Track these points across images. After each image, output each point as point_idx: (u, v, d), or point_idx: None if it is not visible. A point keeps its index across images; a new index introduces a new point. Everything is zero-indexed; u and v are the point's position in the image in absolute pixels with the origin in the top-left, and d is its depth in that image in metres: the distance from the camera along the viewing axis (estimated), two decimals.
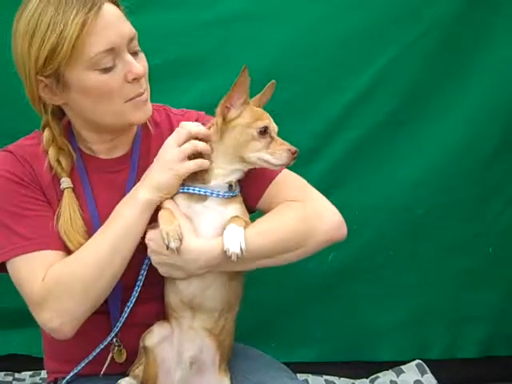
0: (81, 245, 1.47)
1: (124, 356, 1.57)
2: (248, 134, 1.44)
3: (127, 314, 1.51)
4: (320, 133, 2.24)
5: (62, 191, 1.51)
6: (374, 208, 2.28)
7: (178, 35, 2.13)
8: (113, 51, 1.40)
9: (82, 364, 1.54)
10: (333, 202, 1.54)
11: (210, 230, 1.44)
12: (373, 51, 2.20)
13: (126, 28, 1.44)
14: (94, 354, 1.53)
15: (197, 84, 2.14)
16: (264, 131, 1.44)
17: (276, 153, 1.43)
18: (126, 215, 1.45)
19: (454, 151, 2.29)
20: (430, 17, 2.19)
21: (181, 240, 1.39)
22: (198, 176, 1.47)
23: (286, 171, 1.58)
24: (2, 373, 2.27)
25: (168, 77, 2.09)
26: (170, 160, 1.44)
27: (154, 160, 1.47)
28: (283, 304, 2.33)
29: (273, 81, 1.52)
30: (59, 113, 1.55)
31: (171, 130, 1.54)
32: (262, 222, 1.48)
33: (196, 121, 1.57)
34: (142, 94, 1.47)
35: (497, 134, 2.29)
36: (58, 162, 1.52)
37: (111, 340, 1.55)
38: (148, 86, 1.51)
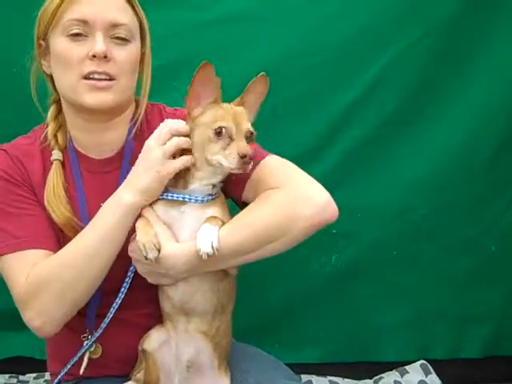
0: (64, 216, 1.48)
1: (99, 351, 1.56)
2: (206, 134, 1.38)
3: (109, 319, 1.50)
4: (322, 133, 2.23)
5: (51, 163, 1.53)
6: (377, 208, 2.27)
7: (178, 35, 2.13)
8: (86, 24, 1.45)
9: (65, 369, 1.54)
10: (335, 202, 1.49)
11: (188, 235, 1.42)
12: (374, 52, 2.19)
13: (112, 14, 1.47)
14: (76, 358, 1.54)
15: None
16: (219, 132, 1.37)
17: (229, 156, 1.36)
18: (108, 218, 1.43)
19: (456, 151, 2.28)
20: (430, 18, 2.18)
21: (158, 250, 1.37)
22: (178, 179, 1.44)
23: (269, 157, 1.53)
24: (7, 375, 2.27)
25: (169, 76, 2.10)
26: (153, 161, 1.40)
27: (137, 161, 1.44)
28: (287, 305, 2.32)
29: (262, 73, 1.45)
30: None
31: None
32: (239, 217, 1.44)
33: (185, 118, 1.56)
34: (101, 76, 1.46)
35: (498, 134, 2.28)
36: (55, 136, 1.55)
37: (85, 338, 1.56)
38: (123, 80, 1.49)
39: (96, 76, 1.46)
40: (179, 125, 1.43)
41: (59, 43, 1.47)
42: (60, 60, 1.48)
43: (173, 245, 1.41)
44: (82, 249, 1.43)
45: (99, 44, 1.44)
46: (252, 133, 1.41)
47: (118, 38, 1.47)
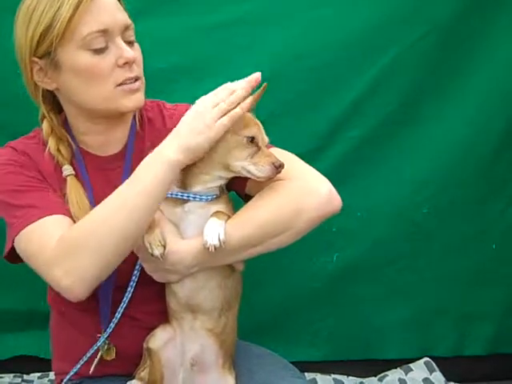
0: None
1: (113, 353, 1.56)
2: (235, 141, 1.39)
3: (120, 314, 1.50)
4: (322, 133, 2.23)
5: (65, 179, 1.52)
6: (378, 207, 2.28)
7: (180, 40, 2.14)
8: (105, 33, 1.42)
9: (78, 366, 1.54)
10: None
11: (193, 233, 1.43)
12: (374, 52, 2.19)
13: (122, 16, 1.47)
14: (89, 355, 1.53)
15: (198, 88, 2.08)
16: (251, 140, 1.40)
17: (260, 164, 1.38)
18: (148, 174, 1.35)
19: (457, 150, 2.28)
20: (430, 17, 2.18)
21: (164, 246, 1.38)
22: (183, 177, 1.44)
23: (272, 149, 1.51)
24: (11, 374, 2.28)
25: (170, 80, 2.11)
26: (205, 122, 1.33)
27: (185, 121, 1.36)
28: (290, 303, 2.33)
29: (264, 84, 1.43)
30: (57, 105, 1.57)
31: (164, 126, 1.57)
32: (244, 210, 1.44)
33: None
34: (133, 80, 1.47)
35: (498, 133, 2.28)
36: (59, 151, 1.54)
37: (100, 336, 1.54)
38: (143, 78, 1.52)
39: (128, 81, 1.47)
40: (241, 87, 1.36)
41: (80, 59, 1.43)
42: (86, 74, 1.45)
43: (178, 240, 1.42)
44: (119, 203, 1.36)
45: (128, 51, 1.45)
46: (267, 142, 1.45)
47: (129, 42, 1.48)
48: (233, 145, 1.40)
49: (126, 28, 1.47)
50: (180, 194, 1.44)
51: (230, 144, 1.40)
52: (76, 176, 1.55)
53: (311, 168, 1.50)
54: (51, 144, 1.54)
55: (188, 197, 1.44)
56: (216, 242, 1.35)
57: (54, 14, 1.40)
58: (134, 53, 1.48)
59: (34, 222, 1.41)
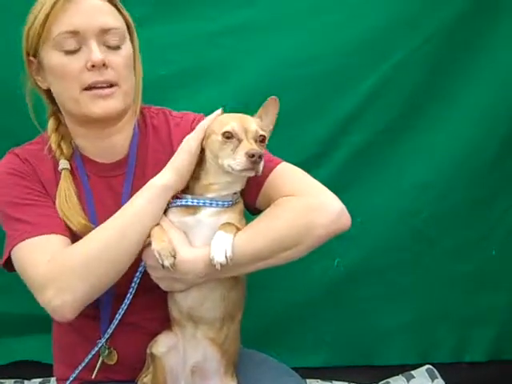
0: (81, 224, 1.47)
1: (115, 358, 1.56)
2: (216, 141, 1.40)
3: (118, 320, 1.50)
4: (324, 138, 2.24)
5: (60, 172, 1.53)
6: (379, 212, 2.28)
7: (185, 46, 2.14)
8: (77, 35, 1.43)
9: (77, 372, 1.54)
10: None
11: (203, 242, 1.42)
12: (377, 57, 2.20)
13: (101, 19, 1.46)
14: (87, 360, 1.53)
15: (203, 93, 2.14)
16: (228, 137, 1.38)
17: (237, 157, 1.36)
18: (139, 200, 1.42)
19: (458, 155, 2.29)
20: (432, 22, 2.19)
21: (174, 256, 1.37)
22: (194, 190, 1.45)
23: (283, 164, 1.54)
24: (12, 380, 2.26)
25: (174, 86, 2.11)
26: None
27: None
28: (291, 310, 2.33)
29: (272, 97, 1.49)
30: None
31: (169, 134, 1.58)
32: (254, 224, 1.44)
33: (192, 122, 1.59)
34: (102, 84, 1.46)
35: (500, 138, 2.29)
36: (59, 146, 1.55)
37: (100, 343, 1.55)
38: (124, 85, 1.50)
39: (98, 85, 1.46)
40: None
41: (53, 58, 1.46)
42: (57, 75, 1.47)
43: (189, 249, 1.41)
44: (109, 229, 1.41)
45: (96, 53, 1.44)
46: (261, 135, 1.41)
47: (110, 46, 1.47)
48: (216, 146, 1.40)
49: (105, 32, 1.46)
50: (196, 200, 1.44)
51: (215, 146, 1.40)
52: (72, 174, 1.55)
53: (322, 185, 1.50)
54: (53, 139, 1.56)
55: (204, 203, 1.43)
56: (222, 259, 1.35)
57: (37, 14, 1.44)
58: (113, 57, 1.47)
59: (28, 238, 1.44)
